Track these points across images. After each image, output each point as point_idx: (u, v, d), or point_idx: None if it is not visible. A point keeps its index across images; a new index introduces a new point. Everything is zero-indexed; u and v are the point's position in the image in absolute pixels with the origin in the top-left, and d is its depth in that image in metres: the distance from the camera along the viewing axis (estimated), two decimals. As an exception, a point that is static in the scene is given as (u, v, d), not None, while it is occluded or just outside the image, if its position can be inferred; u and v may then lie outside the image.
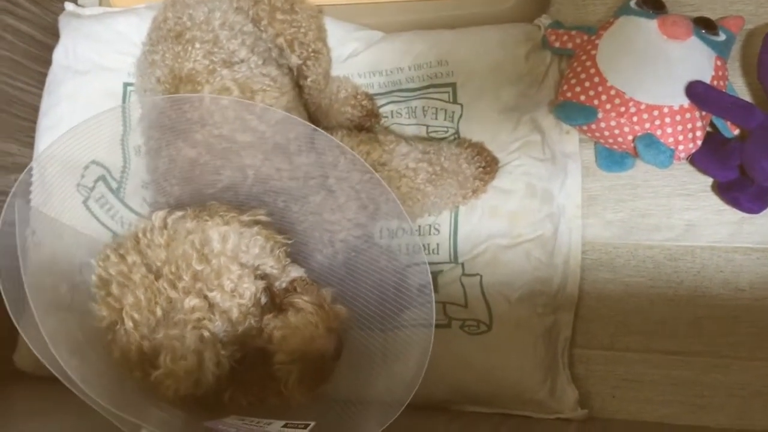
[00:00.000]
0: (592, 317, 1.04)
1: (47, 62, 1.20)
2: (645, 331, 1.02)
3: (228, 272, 0.65)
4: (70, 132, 1.14)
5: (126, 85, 1.17)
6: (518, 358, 0.97)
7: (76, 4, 1.24)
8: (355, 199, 0.84)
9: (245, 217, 0.71)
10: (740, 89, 1.03)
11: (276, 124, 0.82)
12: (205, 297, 0.64)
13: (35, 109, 1.19)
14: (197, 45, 0.88)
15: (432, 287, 0.78)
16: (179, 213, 0.70)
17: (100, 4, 1.25)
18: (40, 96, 1.20)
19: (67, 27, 1.19)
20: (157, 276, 0.66)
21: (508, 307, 0.98)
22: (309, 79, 1.02)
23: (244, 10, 0.98)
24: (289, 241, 0.73)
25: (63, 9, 1.23)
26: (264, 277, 0.70)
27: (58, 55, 1.19)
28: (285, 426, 0.65)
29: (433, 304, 0.77)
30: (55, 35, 1.21)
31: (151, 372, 0.64)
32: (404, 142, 0.97)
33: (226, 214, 0.70)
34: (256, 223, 0.72)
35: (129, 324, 0.65)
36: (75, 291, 0.76)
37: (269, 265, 0.70)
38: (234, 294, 0.65)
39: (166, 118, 0.82)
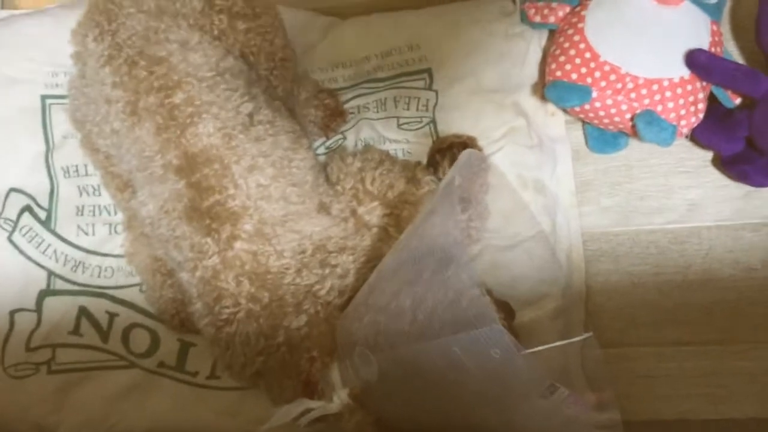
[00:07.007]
0: (598, 312, 0.97)
1: (-55, 77, 1.03)
2: (655, 323, 0.96)
3: None
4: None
5: (44, 98, 1.03)
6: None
7: (-27, 8, 1.07)
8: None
9: None
10: (734, 54, 0.97)
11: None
12: None
13: (-63, 134, 1.02)
14: (204, 114, 0.77)
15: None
16: None
17: (3, 7, 1.10)
18: (-60, 118, 1.03)
19: (-34, 35, 1.03)
20: None
21: (516, 314, 0.89)
22: (279, 89, 0.90)
23: (207, 30, 0.84)
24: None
25: (-41, 15, 1.06)
26: None
27: (-41, 68, 1.03)
28: None
29: None
30: (-48, 45, 1.04)
31: None
32: None
33: None
34: None
35: None
36: None
37: None
38: None
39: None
